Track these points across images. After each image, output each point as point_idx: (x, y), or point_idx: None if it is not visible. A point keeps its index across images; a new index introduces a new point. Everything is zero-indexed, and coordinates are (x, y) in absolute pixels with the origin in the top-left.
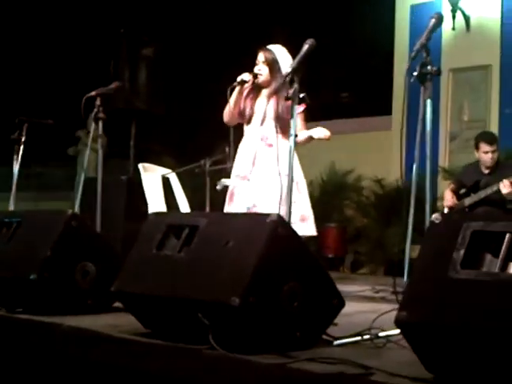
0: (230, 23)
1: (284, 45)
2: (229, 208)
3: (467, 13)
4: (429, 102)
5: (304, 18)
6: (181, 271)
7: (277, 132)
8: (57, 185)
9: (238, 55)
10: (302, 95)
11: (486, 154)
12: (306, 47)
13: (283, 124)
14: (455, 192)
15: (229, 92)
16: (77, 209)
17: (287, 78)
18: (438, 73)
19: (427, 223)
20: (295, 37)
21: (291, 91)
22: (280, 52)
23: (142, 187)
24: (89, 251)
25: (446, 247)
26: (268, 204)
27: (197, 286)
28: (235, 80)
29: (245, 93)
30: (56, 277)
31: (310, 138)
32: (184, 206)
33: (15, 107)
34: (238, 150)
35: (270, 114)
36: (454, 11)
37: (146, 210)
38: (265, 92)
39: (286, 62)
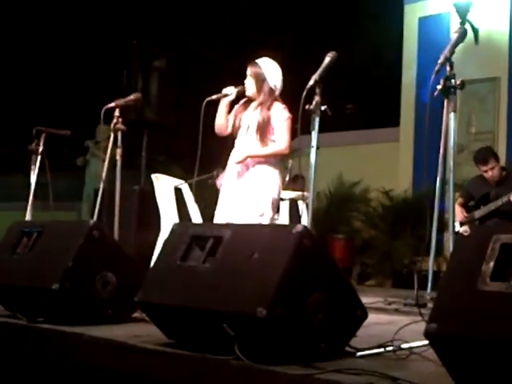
0: (238, 34)
1: (291, 56)
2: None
3: (476, 25)
4: (452, 115)
5: (313, 29)
6: (205, 282)
7: (259, 141)
8: (63, 195)
9: (244, 66)
10: (323, 107)
11: (485, 173)
12: (327, 60)
13: (263, 133)
14: (464, 205)
15: (204, 104)
16: (95, 219)
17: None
18: (462, 86)
19: (434, 235)
20: (303, 47)
21: (313, 103)
22: (267, 65)
23: (154, 197)
24: (109, 261)
25: (475, 260)
26: (246, 220)
27: (222, 298)
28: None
29: (236, 106)
30: (77, 287)
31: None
32: (196, 217)
33: (19, 116)
34: (229, 162)
35: (253, 126)
36: (462, 24)
37: (158, 220)
38: (253, 105)
39: (272, 74)
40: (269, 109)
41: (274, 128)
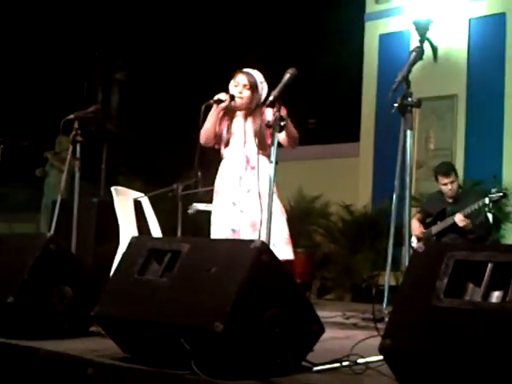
0: (200, 49)
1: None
2: (213, 229)
3: (435, 43)
4: (409, 132)
5: (275, 45)
6: (163, 296)
7: (258, 152)
8: (21, 206)
9: (208, 81)
10: (283, 123)
11: (445, 186)
12: (287, 76)
13: (264, 139)
14: (421, 221)
15: (203, 109)
16: (52, 231)
17: (267, 106)
18: (419, 105)
19: (390, 250)
20: (265, 63)
21: (272, 119)
22: (259, 77)
23: (113, 210)
24: (66, 274)
25: (429, 276)
26: (252, 228)
27: (179, 312)
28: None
29: (220, 114)
30: (33, 300)
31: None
32: (155, 230)
33: None
34: (221, 174)
35: (250, 134)
36: (421, 41)
37: (117, 233)
38: (240, 113)
39: (263, 85)
40: (262, 115)
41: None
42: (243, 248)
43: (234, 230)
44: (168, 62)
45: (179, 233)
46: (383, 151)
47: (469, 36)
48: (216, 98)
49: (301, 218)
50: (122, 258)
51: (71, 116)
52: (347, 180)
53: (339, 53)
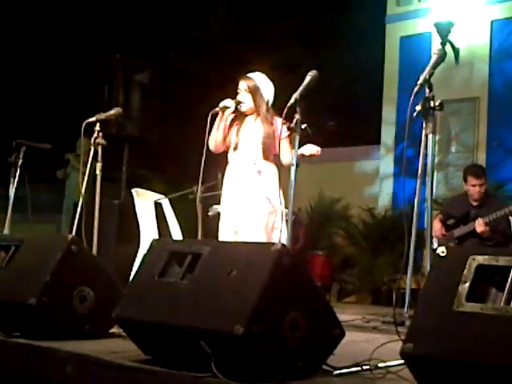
0: (221, 50)
1: (273, 73)
2: (219, 232)
3: (456, 45)
4: (431, 136)
5: (297, 47)
6: (183, 299)
7: (263, 156)
8: (42, 207)
9: (224, 82)
10: (303, 126)
11: (473, 187)
12: (308, 78)
13: (269, 148)
14: (443, 222)
15: (210, 118)
16: (74, 233)
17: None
18: (441, 108)
19: (411, 253)
20: (286, 64)
21: (293, 122)
22: (260, 79)
23: (134, 212)
24: (87, 276)
25: (451, 280)
26: (252, 230)
27: (199, 314)
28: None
29: (228, 120)
30: (54, 302)
31: (302, 156)
32: (176, 232)
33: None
34: (226, 177)
35: (257, 139)
36: (443, 44)
37: (138, 235)
38: (249, 118)
39: (266, 88)
40: (271, 124)
41: (280, 144)
42: (264, 251)
43: (236, 232)
44: (188, 63)
45: (199, 235)
46: (404, 154)
47: (491, 38)
48: (221, 105)
49: (321, 221)
50: (143, 260)
51: (93, 118)
52: (367, 183)
53: (360, 55)
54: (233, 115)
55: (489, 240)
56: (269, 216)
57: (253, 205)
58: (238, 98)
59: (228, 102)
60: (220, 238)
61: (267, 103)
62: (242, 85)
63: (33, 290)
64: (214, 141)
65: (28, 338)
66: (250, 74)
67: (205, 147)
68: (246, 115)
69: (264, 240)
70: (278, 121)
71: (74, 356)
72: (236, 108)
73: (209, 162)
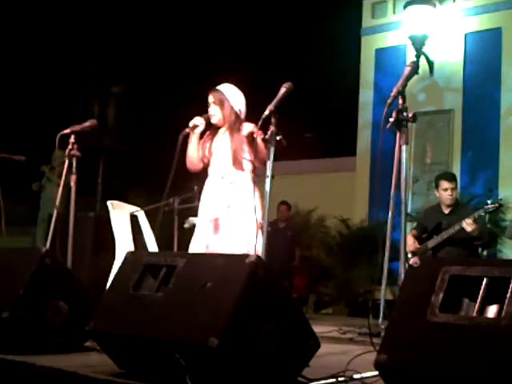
0: (196, 63)
1: (254, 85)
2: (215, 238)
3: (431, 58)
4: (404, 147)
5: (272, 59)
6: (158, 311)
7: (235, 166)
8: (17, 220)
9: (204, 94)
10: (278, 137)
11: (445, 192)
12: (283, 90)
13: (239, 158)
14: (417, 237)
15: (181, 138)
16: (48, 245)
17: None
18: (414, 119)
19: (385, 265)
20: (263, 77)
21: (268, 133)
22: (228, 90)
23: (110, 224)
24: (61, 289)
25: (424, 291)
26: (225, 244)
27: (174, 327)
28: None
29: (204, 136)
30: (28, 315)
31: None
32: (152, 244)
33: None
34: (203, 192)
35: (227, 150)
36: (417, 56)
37: (113, 247)
38: (221, 131)
39: (235, 98)
40: (239, 130)
41: (253, 145)
42: (238, 263)
43: (207, 246)
44: (163, 76)
45: (175, 247)
46: (379, 165)
47: (465, 51)
48: (191, 124)
49: (297, 232)
50: (117, 272)
51: (67, 130)
52: (343, 194)
53: (336, 67)
54: (208, 131)
55: (478, 239)
56: (243, 227)
57: (227, 217)
58: (209, 111)
59: (197, 120)
60: (190, 251)
61: (236, 113)
62: (210, 98)
63: (6, 303)
64: (190, 162)
65: (1, 352)
66: (218, 87)
67: (173, 165)
68: (219, 128)
69: (238, 251)
70: (246, 125)
71: (48, 370)
72: (209, 123)
73: (185, 174)
